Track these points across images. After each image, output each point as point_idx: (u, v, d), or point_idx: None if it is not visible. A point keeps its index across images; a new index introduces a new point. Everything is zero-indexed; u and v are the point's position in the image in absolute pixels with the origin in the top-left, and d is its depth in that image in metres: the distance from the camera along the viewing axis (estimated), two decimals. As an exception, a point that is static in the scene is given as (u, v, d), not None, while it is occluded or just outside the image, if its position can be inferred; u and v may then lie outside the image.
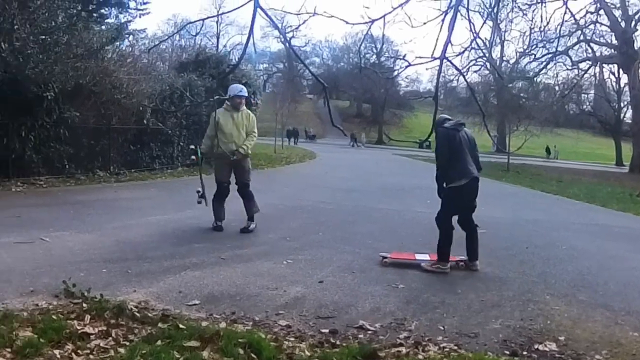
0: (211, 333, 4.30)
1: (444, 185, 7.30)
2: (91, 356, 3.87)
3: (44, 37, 12.98)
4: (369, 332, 4.89)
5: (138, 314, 4.70)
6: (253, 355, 4.05)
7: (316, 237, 9.03)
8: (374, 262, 7.40)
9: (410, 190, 17.32)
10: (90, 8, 19.87)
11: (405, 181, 19.97)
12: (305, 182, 19.56)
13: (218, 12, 73.95)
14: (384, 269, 7.07)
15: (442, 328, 5.06)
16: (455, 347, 4.57)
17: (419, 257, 7.52)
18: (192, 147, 9.48)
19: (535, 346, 4.72)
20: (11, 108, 13.14)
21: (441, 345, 4.60)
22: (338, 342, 4.57)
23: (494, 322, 5.29)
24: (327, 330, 4.86)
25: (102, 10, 22.06)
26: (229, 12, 37.94)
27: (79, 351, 3.90)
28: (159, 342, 4.09)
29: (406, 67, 6.77)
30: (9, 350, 3.82)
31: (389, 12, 3.67)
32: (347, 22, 3.77)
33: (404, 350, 4.42)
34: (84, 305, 4.84)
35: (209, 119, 9.21)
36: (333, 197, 14.58)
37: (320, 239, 8.89)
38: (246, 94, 9.47)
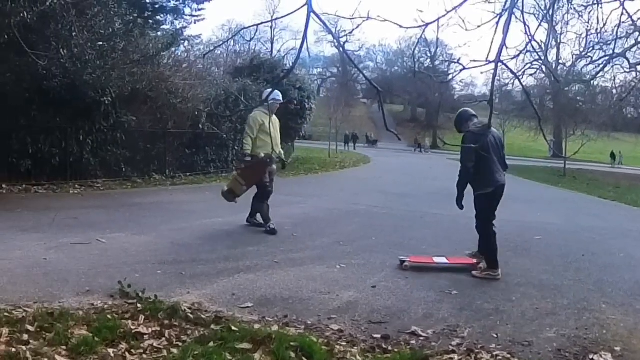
0: (263, 336, 4.32)
1: (474, 192, 7.33)
2: (144, 356, 3.93)
3: (101, 43, 13.24)
4: (421, 338, 4.84)
5: (191, 316, 4.77)
6: (304, 359, 4.06)
7: (369, 241, 8.99)
8: (427, 267, 7.34)
9: (465, 195, 17.14)
10: (146, 15, 20.27)
11: (459, 186, 19.62)
12: (359, 186, 19.51)
13: (272, 17, 74.16)
14: (437, 275, 6.98)
15: (495, 336, 4.98)
16: (509, 356, 4.49)
17: (437, 260, 7.54)
18: (263, 155, 9.33)
19: (591, 356, 4.61)
20: (70, 112, 13.49)
21: (494, 353, 4.52)
22: (390, 348, 4.55)
23: (548, 330, 5.19)
24: (379, 336, 4.83)
25: (158, 17, 22.46)
26: (283, 17, 38.11)
27: (132, 350, 3.97)
28: (211, 344, 4.13)
29: (461, 70, 6.75)
30: (64, 347, 3.91)
31: (443, 16, 3.63)
32: (400, 26, 3.74)
33: (456, 357, 4.37)
34: (139, 305, 4.93)
35: (250, 121, 9.32)
36: (387, 202, 14.51)
37: (373, 243, 8.84)
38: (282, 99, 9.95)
